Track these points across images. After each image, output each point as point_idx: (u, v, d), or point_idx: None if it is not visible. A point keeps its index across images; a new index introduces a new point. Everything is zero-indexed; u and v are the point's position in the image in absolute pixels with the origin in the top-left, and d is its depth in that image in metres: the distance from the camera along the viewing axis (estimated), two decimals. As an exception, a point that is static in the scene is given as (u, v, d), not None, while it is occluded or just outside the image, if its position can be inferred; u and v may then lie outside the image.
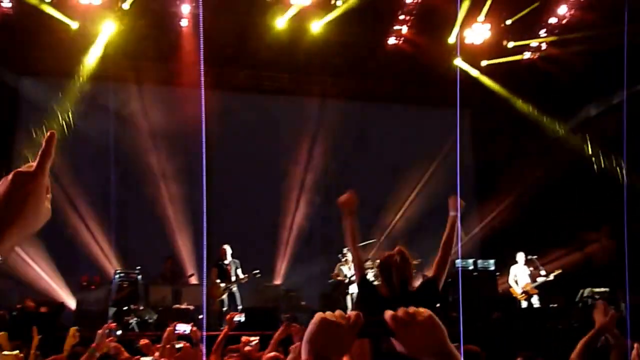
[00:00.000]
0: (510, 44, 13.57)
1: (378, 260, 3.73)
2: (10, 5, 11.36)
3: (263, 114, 13.53)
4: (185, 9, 12.02)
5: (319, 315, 1.33)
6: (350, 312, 1.34)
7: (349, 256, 11.00)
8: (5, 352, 4.66)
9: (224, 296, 10.53)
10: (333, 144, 13.59)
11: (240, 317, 5.72)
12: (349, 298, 10.86)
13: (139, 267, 10.78)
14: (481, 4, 12.62)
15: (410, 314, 1.32)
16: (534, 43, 13.57)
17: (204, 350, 4.95)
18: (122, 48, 12.01)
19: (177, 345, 4.82)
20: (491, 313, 9.84)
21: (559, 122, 13.04)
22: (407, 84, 14.19)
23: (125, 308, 10.03)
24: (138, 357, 5.23)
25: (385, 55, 13.56)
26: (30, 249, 10.85)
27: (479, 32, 13.04)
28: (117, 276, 10.53)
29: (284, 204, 13.40)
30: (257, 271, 10.75)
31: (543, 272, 11.14)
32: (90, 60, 11.83)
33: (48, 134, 1.09)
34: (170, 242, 12.33)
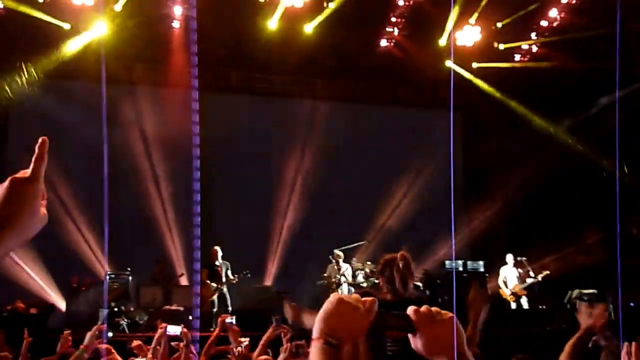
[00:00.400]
0: (501, 47, 13.67)
1: (382, 261, 3.70)
2: (2, 6, 11.30)
3: (254, 116, 13.54)
4: (178, 10, 12.03)
5: (336, 295, 1.31)
6: (366, 298, 1.32)
7: (340, 257, 11.05)
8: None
9: (214, 297, 10.54)
10: (325, 146, 13.62)
11: (231, 320, 5.72)
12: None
13: (129, 269, 10.76)
14: (473, 7, 12.70)
15: (434, 312, 1.33)
16: (524, 46, 13.67)
17: (195, 351, 4.96)
18: (114, 49, 11.98)
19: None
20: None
21: (550, 123, 13.12)
22: (398, 86, 14.25)
23: (116, 309, 10.01)
24: (132, 358, 5.24)
25: (377, 57, 13.61)
26: (20, 250, 10.81)
27: (470, 35, 13.12)
28: (107, 277, 10.51)
29: (275, 206, 13.40)
30: (247, 271, 10.77)
31: (532, 274, 11.22)
32: (82, 61, 11.79)
33: (40, 140, 1.10)
34: (161, 243, 12.31)
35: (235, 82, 13.61)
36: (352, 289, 10.76)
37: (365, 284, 10.77)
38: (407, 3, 12.71)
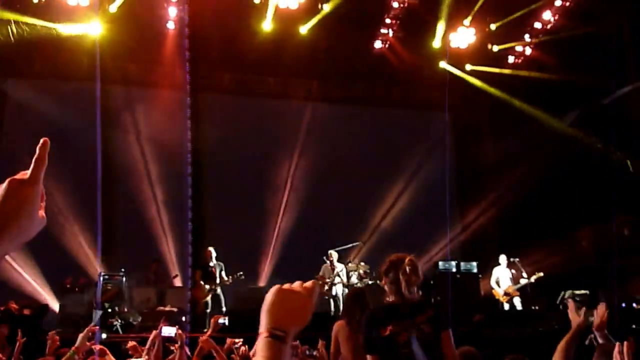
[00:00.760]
0: (495, 48, 13.72)
1: (387, 261, 3.69)
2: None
3: (249, 116, 13.54)
4: (172, 11, 12.02)
5: (276, 286, 1.32)
6: (308, 282, 1.31)
7: (334, 258, 11.06)
8: None
9: (208, 298, 10.53)
10: (319, 147, 13.64)
11: (224, 320, 5.72)
12: (331, 301, 10.90)
13: (123, 270, 10.75)
14: (467, 9, 12.75)
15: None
16: (518, 47, 13.73)
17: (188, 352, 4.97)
18: (109, 50, 11.97)
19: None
20: (473, 315, 9.92)
21: (547, 123, 13.15)
22: (392, 88, 14.29)
23: (110, 310, 10.00)
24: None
25: (372, 59, 13.64)
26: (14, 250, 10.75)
27: (464, 37, 13.17)
28: (101, 278, 10.50)
29: (269, 207, 13.41)
30: (241, 273, 10.75)
31: (525, 275, 11.26)
32: (77, 62, 11.78)
33: (41, 141, 1.07)
34: (155, 244, 12.30)
35: (229, 83, 13.61)
36: (346, 290, 10.79)
37: (359, 285, 10.78)
38: (401, 5, 12.74)
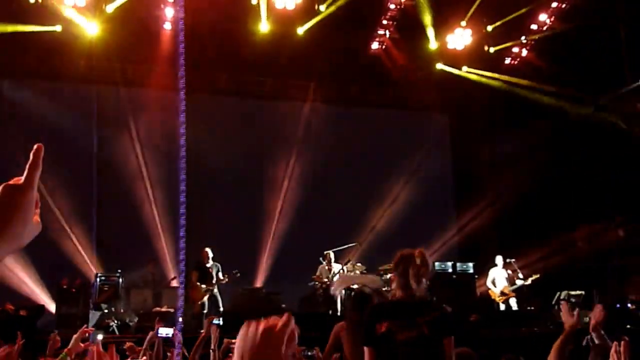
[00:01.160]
0: (492, 50, 13.75)
1: (398, 255, 3.70)
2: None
3: (245, 117, 13.55)
4: (169, 12, 12.02)
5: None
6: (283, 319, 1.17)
7: (331, 258, 11.07)
8: None
9: (205, 299, 10.51)
10: (316, 147, 13.65)
11: (218, 321, 5.72)
12: (329, 301, 10.88)
13: (119, 270, 10.74)
14: (463, 10, 12.78)
15: None
16: (515, 48, 13.76)
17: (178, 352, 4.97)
18: (105, 51, 11.97)
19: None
20: (469, 315, 9.95)
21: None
22: (389, 89, 14.31)
23: (106, 311, 10.00)
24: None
25: (368, 60, 13.66)
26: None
27: (460, 38, 13.20)
28: (98, 279, 10.49)
29: (265, 207, 13.42)
30: (237, 271, 10.73)
31: (521, 276, 11.28)
32: (73, 62, 11.78)
33: (35, 147, 1.05)
34: (152, 245, 12.29)
35: (226, 84, 13.61)
36: (344, 291, 10.79)
37: (356, 286, 10.77)
38: (398, 6, 12.77)
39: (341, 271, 10.99)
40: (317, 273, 11.10)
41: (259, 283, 12.73)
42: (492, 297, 11.42)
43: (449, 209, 14.89)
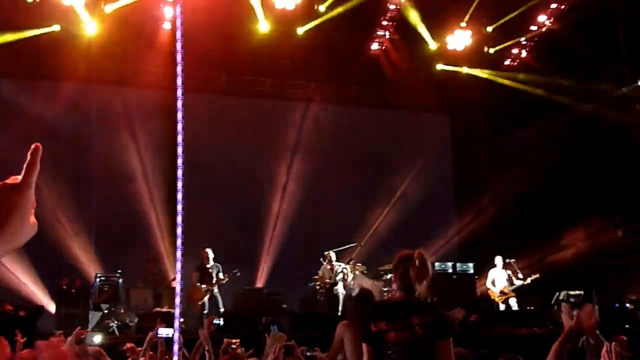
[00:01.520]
0: (491, 50, 13.77)
1: (398, 256, 3.72)
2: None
3: (245, 117, 13.55)
4: (168, 11, 12.02)
5: None
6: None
7: (332, 258, 11.07)
8: None
9: (205, 299, 10.51)
10: (316, 148, 13.65)
11: (218, 321, 5.72)
12: (332, 301, 10.88)
13: (119, 271, 10.73)
14: (463, 11, 12.80)
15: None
16: (514, 49, 13.78)
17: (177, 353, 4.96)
18: (104, 51, 11.97)
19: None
20: (469, 315, 9.95)
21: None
22: (389, 89, 14.31)
23: (106, 311, 9.99)
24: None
25: (368, 60, 13.67)
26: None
27: (460, 39, 13.21)
28: (98, 279, 10.48)
29: (265, 208, 13.41)
30: (237, 270, 10.72)
31: (520, 276, 11.29)
32: (71, 62, 11.77)
33: (33, 146, 1.05)
34: (152, 245, 12.28)
35: (226, 84, 13.60)
36: (345, 291, 10.81)
37: (354, 285, 10.78)
38: (398, 7, 12.78)
39: (345, 269, 10.98)
40: (320, 274, 11.09)
41: (259, 283, 12.73)
42: (492, 297, 11.43)
43: (449, 209, 14.89)
